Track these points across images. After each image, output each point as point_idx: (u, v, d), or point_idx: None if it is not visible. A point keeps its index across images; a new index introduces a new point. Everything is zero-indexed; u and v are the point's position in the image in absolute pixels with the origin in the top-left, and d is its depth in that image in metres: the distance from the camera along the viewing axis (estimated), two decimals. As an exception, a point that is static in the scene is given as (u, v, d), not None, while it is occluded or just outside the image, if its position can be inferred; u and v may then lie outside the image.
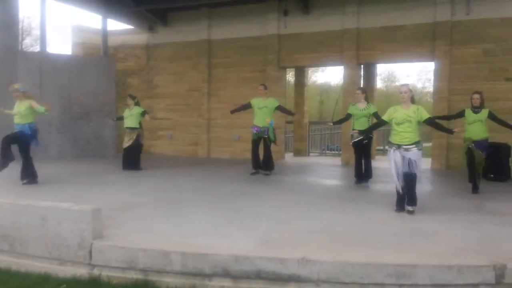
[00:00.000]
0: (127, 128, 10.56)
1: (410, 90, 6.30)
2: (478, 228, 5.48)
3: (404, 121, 6.16)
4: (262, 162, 9.86)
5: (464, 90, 10.61)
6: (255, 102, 9.80)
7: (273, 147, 10.07)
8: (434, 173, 10.78)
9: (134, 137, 10.45)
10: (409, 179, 6.17)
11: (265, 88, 9.95)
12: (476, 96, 7.76)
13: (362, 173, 8.68)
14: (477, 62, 10.83)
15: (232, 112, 10.05)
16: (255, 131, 9.75)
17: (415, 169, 6.13)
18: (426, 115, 6.25)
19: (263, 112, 9.63)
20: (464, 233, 5.28)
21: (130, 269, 4.59)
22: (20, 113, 8.13)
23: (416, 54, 11.54)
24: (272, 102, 9.77)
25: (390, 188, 7.31)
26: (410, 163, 6.11)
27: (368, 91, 9.23)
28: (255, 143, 9.81)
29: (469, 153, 7.78)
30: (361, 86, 10.13)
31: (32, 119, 8.23)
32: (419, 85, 36.55)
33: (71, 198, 6.09)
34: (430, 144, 12.10)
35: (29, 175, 8.37)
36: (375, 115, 8.39)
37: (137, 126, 10.49)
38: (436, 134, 11.25)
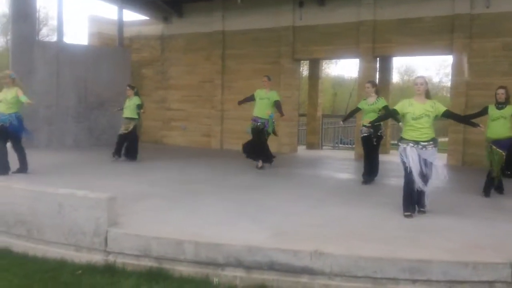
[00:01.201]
0: (125, 118, 10.43)
1: (426, 83, 5.97)
2: (493, 225, 5.42)
3: (422, 116, 5.78)
4: (258, 155, 9.73)
5: (482, 84, 10.47)
6: (258, 93, 9.68)
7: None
8: (450, 168, 10.61)
9: (131, 127, 10.32)
10: (425, 181, 5.83)
11: (269, 79, 9.76)
12: (501, 91, 7.21)
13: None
14: (496, 56, 10.62)
15: (240, 103, 10.01)
16: (256, 123, 9.56)
17: (436, 171, 5.81)
18: (443, 108, 5.95)
19: (264, 103, 9.49)
20: (479, 230, 5.23)
21: (144, 257, 4.64)
22: (7, 101, 7.92)
23: (434, 47, 11.37)
24: (274, 96, 9.58)
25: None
26: (426, 164, 5.78)
27: (378, 84, 8.82)
28: (254, 134, 9.66)
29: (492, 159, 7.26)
30: (372, 79, 9.65)
31: (17, 109, 8.03)
32: (436, 79, 36.15)
33: (86, 186, 6.13)
34: (446, 139, 11.97)
35: (3, 166, 8.09)
36: (385, 109, 7.95)
37: (135, 116, 10.35)
38: (452, 129, 11.14)
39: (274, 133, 9.87)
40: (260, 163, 9.68)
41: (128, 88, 10.64)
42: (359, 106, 8.50)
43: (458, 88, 11.09)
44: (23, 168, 8.28)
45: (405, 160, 5.84)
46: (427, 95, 5.98)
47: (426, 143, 5.79)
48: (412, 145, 5.81)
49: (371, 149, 8.25)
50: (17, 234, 5.35)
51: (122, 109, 10.61)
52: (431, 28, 11.24)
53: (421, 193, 5.95)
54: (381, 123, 8.06)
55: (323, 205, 6.38)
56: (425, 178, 5.83)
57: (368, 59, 12.01)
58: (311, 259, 4.25)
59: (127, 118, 10.38)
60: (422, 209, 5.98)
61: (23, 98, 7.89)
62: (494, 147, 7.16)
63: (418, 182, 5.74)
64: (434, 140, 5.88)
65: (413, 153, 5.79)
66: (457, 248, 4.49)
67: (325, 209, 6.15)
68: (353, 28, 12.07)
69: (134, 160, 10.41)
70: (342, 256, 4.24)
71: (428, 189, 5.89)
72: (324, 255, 4.24)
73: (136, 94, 10.50)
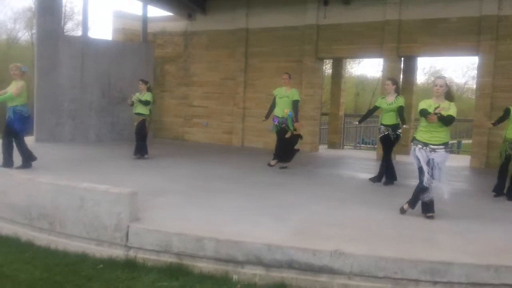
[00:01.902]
0: (135, 114, 10.11)
1: (446, 85, 5.74)
2: (517, 229, 5.33)
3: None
4: (279, 155, 9.50)
5: (509, 86, 10.31)
6: (277, 91, 9.46)
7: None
8: (473, 171, 10.53)
9: (138, 123, 10.04)
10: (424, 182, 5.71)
11: (290, 77, 9.52)
12: None
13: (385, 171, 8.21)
14: (522, 59, 10.43)
15: (267, 116, 9.67)
16: (276, 122, 9.39)
17: (437, 173, 5.64)
18: (450, 112, 5.60)
19: (283, 102, 9.26)
20: (501, 232, 5.17)
21: (164, 253, 4.68)
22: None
23: (460, 48, 11.19)
24: (294, 94, 9.31)
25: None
26: (433, 166, 5.63)
27: (398, 83, 8.52)
28: (278, 134, 9.47)
29: (505, 160, 7.24)
30: (393, 77, 9.34)
31: (19, 102, 7.78)
32: (462, 81, 35.73)
33: (107, 181, 6.20)
34: (470, 141, 11.80)
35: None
36: (400, 110, 7.84)
37: (145, 112, 10.02)
38: (476, 131, 10.98)
39: (294, 130, 9.54)
40: (285, 164, 9.54)
41: (140, 82, 10.28)
42: (377, 104, 8.26)
43: (483, 89, 10.91)
44: (25, 163, 8.07)
45: (415, 161, 5.77)
46: (449, 97, 5.78)
47: (436, 147, 5.67)
48: (421, 147, 5.73)
49: (389, 148, 8.19)
50: (40, 227, 5.43)
51: (132, 103, 10.14)
52: (457, 28, 11.07)
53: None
54: (399, 122, 7.96)
55: (343, 205, 6.35)
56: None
57: (393, 59, 11.88)
58: (331, 258, 4.23)
59: (137, 114, 10.08)
60: (404, 208, 5.93)
61: (10, 95, 7.70)
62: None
63: (428, 183, 5.65)
64: (446, 145, 5.71)
65: (421, 155, 5.71)
66: (479, 251, 4.45)
67: (345, 209, 6.12)
68: (378, 28, 11.95)
69: (136, 156, 10.09)
70: (362, 256, 4.22)
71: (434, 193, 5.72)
72: (344, 254, 4.22)
73: (149, 89, 10.20)
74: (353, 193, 7.36)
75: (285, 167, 9.49)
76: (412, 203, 5.90)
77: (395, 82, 8.17)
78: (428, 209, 5.76)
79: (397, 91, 8.10)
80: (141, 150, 10.20)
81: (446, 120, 5.59)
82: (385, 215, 5.85)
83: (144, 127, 10.11)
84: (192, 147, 13.12)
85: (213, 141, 14.56)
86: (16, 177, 6.01)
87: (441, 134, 5.69)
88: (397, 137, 8.04)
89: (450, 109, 5.63)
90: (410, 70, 13.91)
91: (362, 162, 11.40)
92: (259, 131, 13.53)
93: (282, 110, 9.27)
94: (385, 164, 8.22)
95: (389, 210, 6.07)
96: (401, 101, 7.92)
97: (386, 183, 8.13)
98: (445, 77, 5.90)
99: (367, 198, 6.95)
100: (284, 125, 9.31)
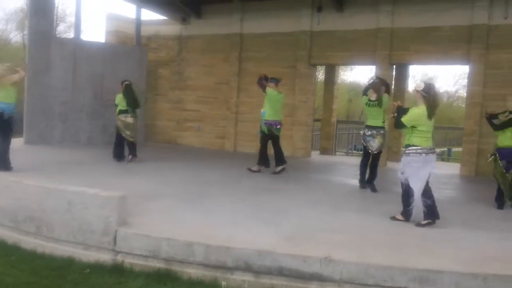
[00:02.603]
0: None
1: (416, 91, 5.74)
2: (506, 237, 5.34)
3: None
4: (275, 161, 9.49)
5: (498, 95, 10.39)
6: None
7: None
8: (463, 179, 10.57)
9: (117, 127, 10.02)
10: (401, 187, 5.92)
11: (275, 82, 9.32)
12: None
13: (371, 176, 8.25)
14: (512, 68, 10.53)
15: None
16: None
17: (403, 179, 5.73)
18: (403, 118, 5.69)
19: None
20: (491, 241, 5.17)
21: (152, 258, 4.62)
22: None
23: (451, 56, 11.29)
24: (267, 91, 9.21)
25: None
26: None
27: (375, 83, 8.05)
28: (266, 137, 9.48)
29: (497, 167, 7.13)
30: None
31: None
32: (453, 89, 36.07)
33: (96, 184, 6.12)
34: (460, 149, 11.86)
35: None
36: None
37: (117, 114, 10.02)
38: (467, 139, 11.03)
39: (269, 131, 9.32)
40: (278, 168, 9.41)
41: (120, 84, 10.18)
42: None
43: (473, 98, 10.99)
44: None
45: None
46: (426, 104, 5.67)
47: (405, 149, 5.83)
48: None
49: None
50: (26, 230, 5.34)
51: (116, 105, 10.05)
52: (448, 37, 11.16)
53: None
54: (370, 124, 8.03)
55: (335, 211, 6.33)
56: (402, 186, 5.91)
57: (385, 67, 11.91)
58: (321, 265, 4.20)
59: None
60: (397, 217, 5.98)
61: None
62: (497, 156, 7.06)
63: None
64: (407, 147, 5.76)
65: None
66: (469, 259, 4.45)
67: (337, 215, 6.10)
68: (371, 35, 12.01)
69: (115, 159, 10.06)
70: (352, 263, 4.19)
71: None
72: (334, 262, 4.20)
73: (124, 91, 9.96)
74: (344, 199, 7.36)
75: (278, 172, 9.39)
76: (402, 213, 5.93)
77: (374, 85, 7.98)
78: (425, 216, 5.70)
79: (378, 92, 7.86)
80: (115, 153, 10.12)
81: (395, 122, 5.94)
82: (376, 221, 5.85)
83: (116, 131, 10.07)
84: (185, 151, 13.07)
85: (205, 145, 14.51)
86: (3, 180, 5.93)
87: (406, 136, 5.84)
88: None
89: (406, 114, 5.74)
90: (402, 77, 13.97)
91: (354, 168, 11.33)
92: (252, 136, 13.46)
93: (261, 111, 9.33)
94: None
95: (380, 216, 6.07)
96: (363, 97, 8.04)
97: (373, 190, 8.08)
98: (416, 84, 5.90)
99: (358, 203, 6.97)
100: (261, 130, 9.33)
